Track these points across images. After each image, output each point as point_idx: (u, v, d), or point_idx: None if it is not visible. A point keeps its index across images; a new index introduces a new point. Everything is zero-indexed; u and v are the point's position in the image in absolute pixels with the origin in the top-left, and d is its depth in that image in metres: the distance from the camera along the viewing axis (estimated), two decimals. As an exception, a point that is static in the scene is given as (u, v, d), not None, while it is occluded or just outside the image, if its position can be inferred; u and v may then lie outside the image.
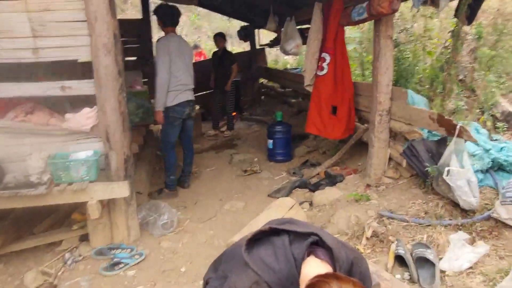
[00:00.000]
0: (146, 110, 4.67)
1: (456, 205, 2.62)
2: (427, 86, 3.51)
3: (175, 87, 3.62)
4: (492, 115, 3.97)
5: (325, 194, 3.38)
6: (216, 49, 6.52)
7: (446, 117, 2.64)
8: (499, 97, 4.15)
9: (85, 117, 2.63)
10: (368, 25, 7.09)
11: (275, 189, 3.89)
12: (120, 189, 2.65)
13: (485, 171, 2.92)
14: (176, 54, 3.56)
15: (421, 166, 2.86)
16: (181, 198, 3.91)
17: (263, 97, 8.27)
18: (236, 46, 13.93)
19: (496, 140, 3.37)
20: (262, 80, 8.28)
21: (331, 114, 3.70)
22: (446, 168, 2.50)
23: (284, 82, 6.47)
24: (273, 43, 6.46)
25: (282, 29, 5.45)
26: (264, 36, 7.86)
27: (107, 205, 2.81)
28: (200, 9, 15.95)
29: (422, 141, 2.97)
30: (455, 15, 3.27)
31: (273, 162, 4.80)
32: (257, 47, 7.96)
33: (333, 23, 3.52)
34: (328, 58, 3.58)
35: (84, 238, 2.92)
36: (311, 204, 3.43)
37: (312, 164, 4.46)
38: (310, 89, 4.24)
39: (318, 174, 4.10)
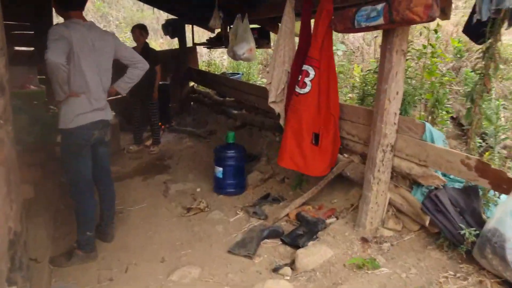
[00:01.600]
0: (45, 124, 3.33)
1: None
2: (422, 113, 2.93)
3: (77, 102, 2.44)
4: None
5: (313, 255, 2.53)
6: (133, 45, 5.25)
7: (492, 166, 1.98)
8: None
9: None
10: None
11: (237, 242, 2.91)
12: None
13: None
14: (80, 51, 2.36)
15: (451, 226, 2.19)
16: (102, 263, 2.70)
17: (192, 103, 7.15)
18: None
19: None
20: (192, 84, 7.16)
21: (312, 144, 2.86)
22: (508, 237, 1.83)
23: (223, 89, 5.48)
24: (211, 43, 5.42)
25: (230, 28, 4.48)
26: (198, 33, 6.73)
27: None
28: None
29: (444, 189, 2.30)
30: (464, 31, 2.68)
31: (223, 195, 3.81)
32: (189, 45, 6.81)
33: (321, 27, 2.69)
34: (312, 73, 2.73)
35: None
36: (292, 268, 2.55)
37: (274, 199, 3.59)
38: (276, 108, 3.37)
39: (287, 215, 3.25)
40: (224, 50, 6.31)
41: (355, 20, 2.36)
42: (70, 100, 2.42)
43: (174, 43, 6.76)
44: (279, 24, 3.56)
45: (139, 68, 2.77)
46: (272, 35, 5.09)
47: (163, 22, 6.75)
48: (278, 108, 3.38)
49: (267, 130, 4.79)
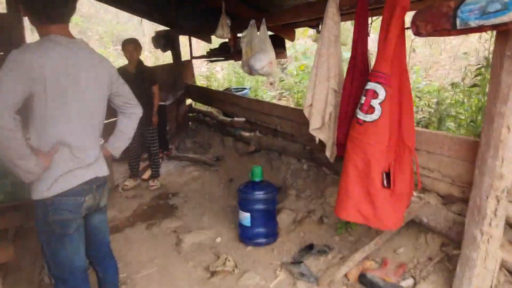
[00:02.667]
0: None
1: None
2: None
3: (55, 159, 1.64)
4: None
5: None
6: (124, 63, 4.45)
7: None
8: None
9: None
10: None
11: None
12: None
13: None
14: (57, 85, 1.54)
15: None
16: None
17: (190, 123, 6.37)
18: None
19: None
20: (190, 102, 6.37)
21: (384, 188, 2.12)
22: None
23: (232, 108, 4.71)
24: (214, 55, 4.66)
25: (242, 37, 3.74)
26: (194, 45, 5.96)
27: None
28: (84, 9, 13.16)
29: None
30: None
31: (251, 246, 3.03)
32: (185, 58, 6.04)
33: (393, 30, 1.96)
34: (381, 93, 2.00)
35: None
36: None
37: (320, 250, 2.83)
38: (320, 134, 2.64)
39: (345, 276, 2.50)
40: (225, 62, 5.58)
41: (458, 17, 1.64)
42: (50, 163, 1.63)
43: (166, 57, 5.96)
44: (313, 30, 2.85)
45: (135, 115, 2.03)
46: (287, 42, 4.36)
47: (151, 34, 5.99)
48: (322, 135, 2.64)
49: (289, 155, 4.05)
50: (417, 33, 1.85)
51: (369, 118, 2.05)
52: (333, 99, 2.52)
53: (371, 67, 2.15)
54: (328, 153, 2.63)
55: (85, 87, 1.66)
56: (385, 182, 2.12)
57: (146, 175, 4.81)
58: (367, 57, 2.28)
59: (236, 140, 5.05)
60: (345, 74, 2.46)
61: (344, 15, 2.52)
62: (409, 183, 2.17)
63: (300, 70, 5.93)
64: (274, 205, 3.06)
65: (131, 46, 4.06)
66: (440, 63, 6.48)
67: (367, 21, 2.25)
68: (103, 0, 5.45)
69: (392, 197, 2.13)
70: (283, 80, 6.77)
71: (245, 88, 5.50)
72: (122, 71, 4.33)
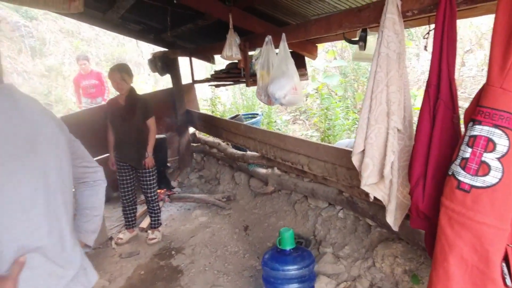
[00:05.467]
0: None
1: None
2: None
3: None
4: None
5: None
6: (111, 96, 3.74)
7: None
8: None
9: None
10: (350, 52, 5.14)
11: None
12: None
13: None
14: None
15: None
16: None
17: (195, 154, 5.62)
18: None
19: None
20: (193, 131, 5.64)
21: (506, 287, 1.34)
22: None
23: (243, 141, 3.95)
24: (220, 78, 3.92)
25: (255, 57, 3.02)
26: (197, 66, 5.24)
27: None
28: (84, 32, 12.73)
29: None
30: None
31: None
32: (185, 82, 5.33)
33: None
34: (504, 142, 1.24)
35: None
36: None
37: None
38: (375, 192, 1.87)
39: None
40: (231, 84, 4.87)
41: None
42: None
43: (165, 82, 5.25)
44: (363, 45, 2.12)
45: (100, 181, 1.40)
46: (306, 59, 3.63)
47: (149, 56, 5.31)
48: (380, 192, 1.87)
49: (317, 199, 3.27)
50: None
51: (481, 182, 1.28)
52: (395, 144, 1.76)
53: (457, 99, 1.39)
54: (390, 219, 1.85)
55: (33, 158, 0.99)
56: (508, 279, 1.33)
57: (145, 223, 4.05)
58: (455, 85, 1.53)
59: (250, 177, 4.29)
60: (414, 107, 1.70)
61: (410, 20, 1.79)
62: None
63: (317, 92, 5.18)
64: (312, 282, 2.27)
65: (117, 75, 3.34)
66: None
67: (455, 29, 1.51)
68: (96, 24, 4.83)
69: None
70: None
71: (257, 115, 4.76)
72: (112, 103, 3.62)
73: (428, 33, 2.19)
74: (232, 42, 2.97)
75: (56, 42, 11.72)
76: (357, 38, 2.23)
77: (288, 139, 3.02)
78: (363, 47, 2.19)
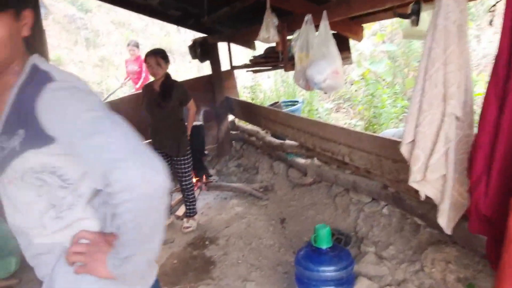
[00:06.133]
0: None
1: None
2: None
3: None
4: None
5: None
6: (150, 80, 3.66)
7: None
8: None
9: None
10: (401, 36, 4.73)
11: None
12: None
13: None
14: None
15: None
16: None
17: (234, 142, 5.52)
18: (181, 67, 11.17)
19: None
20: (232, 118, 5.53)
21: None
22: None
23: (281, 129, 3.76)
24: (259, 64, 3.75)
25: (294, 39, 2.81)
26: (236, 52, 5.10)
27: None
28: (134, 23, 13.07)
29: None
30: None
31: None
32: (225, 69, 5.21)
33: None
34: None
35: None
36: None
37: None
38: (424, 188, 1.62)
39: None
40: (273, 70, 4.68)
41: None
42: None
43: (208, 70, 5.17)
44: (416, 19, 1.85)
45: (128, 197, 1.03)
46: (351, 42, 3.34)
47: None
48: (431, 189, 1.62)
49: (360, 193, 3.03)
50: None
51: None
52: (452, 133, 1.50)
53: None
54: (442, 221, 1.59)
55: None
56: None
57: (181, 211, 4.02)
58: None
59: (289, 167, 4.10)
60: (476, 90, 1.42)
61: None
62: None
63: (363, 78, 4.83)
64: (350, 285, 2.06)
65: (152, 59, 3.27)
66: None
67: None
68: (136, 10, 4.83)
69: None
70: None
71: (297, 102, 4.52)
72: (147, 89, 3.58)
73: (495, 4, 1.88)
74: (270, 23, 2.77)
75: (108, 33, 12.16)
76: (409, 12, 1.94)
77: (327, 127, 2.79)
78: (416, 22, 1.91)
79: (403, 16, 1.96)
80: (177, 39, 13.03)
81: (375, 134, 2.37)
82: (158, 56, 3.32)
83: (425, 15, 1.98)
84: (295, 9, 2.85)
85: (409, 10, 2.00)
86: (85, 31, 11.58)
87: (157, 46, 13.10)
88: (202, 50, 4.97)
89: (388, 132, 2.72)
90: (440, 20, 1.45)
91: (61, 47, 10.63)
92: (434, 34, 1.47)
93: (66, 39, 10.99)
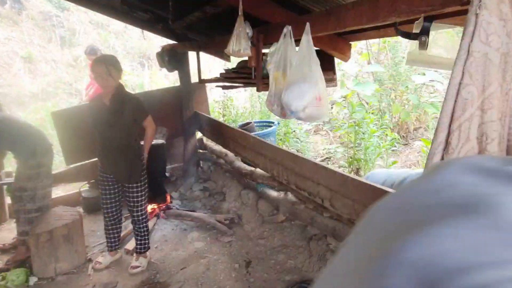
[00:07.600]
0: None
1: None
2: None
3: None
4: None
5: None
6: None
7: None
8: None
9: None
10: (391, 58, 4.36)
11: None
12: None
13: None
14: None
15: None
16: None
17: (202, 162, 4.97)
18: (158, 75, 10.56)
19: None
20: (200, 136, 4.99)
21: None
22: None
23: (251, 156, 3.24)
24: (229, 78, 3.23)
25: (269, 54, 2.32)
26: (210, 63, 4.54)
27: None
28: (113, 25, 12.41)
29: None
30: None
31: None
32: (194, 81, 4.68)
33: None
34: None
35: None
36: None
37: None
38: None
39: None
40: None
41: None
42: None
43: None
44: (426, 40, 1.39)
45: None
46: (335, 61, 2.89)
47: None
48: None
49: (340, 240, 2.54)
50: None
51: None
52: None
53: None
54: None
55: None
56: None
57: (131, 244, 3.42)
58: None
59: (259, 198, 3.59)
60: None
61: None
62: None
63: (344, 100, 4.38)
64: None
65: (101, 68, 2.69)
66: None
67: None
68: (100, 11, 4.27)
69: None
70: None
71: (273, 123, 4.02)
72: (95, 103, 2.99)
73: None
74: (241, 33, 2.27)
75: (86, 33, 11.51)
76: (417, 31, 1.49)
77: (305, 163, 2.30)
78: (425, 44, 1.45)
79: (408, 35, 1.50)
80: (156, 44, 12.49)
81: (364, 181, 1.90)
82: (110, 64, 2.75)
83: (437, 36, 1.53)
84: (272, 18, 2.37)
85: (415, 28, 1.55)
86: (60, 29, 10.94)
87: (136, 49, 12.45)
88: (171, 59, 4.42)
89: (377, 173, 2.28)
90: (477, 44, 0.99)
91: (34, 44, 9.99)
92: (467, 64, 1.00)
93: (40, 36, 10.33)
